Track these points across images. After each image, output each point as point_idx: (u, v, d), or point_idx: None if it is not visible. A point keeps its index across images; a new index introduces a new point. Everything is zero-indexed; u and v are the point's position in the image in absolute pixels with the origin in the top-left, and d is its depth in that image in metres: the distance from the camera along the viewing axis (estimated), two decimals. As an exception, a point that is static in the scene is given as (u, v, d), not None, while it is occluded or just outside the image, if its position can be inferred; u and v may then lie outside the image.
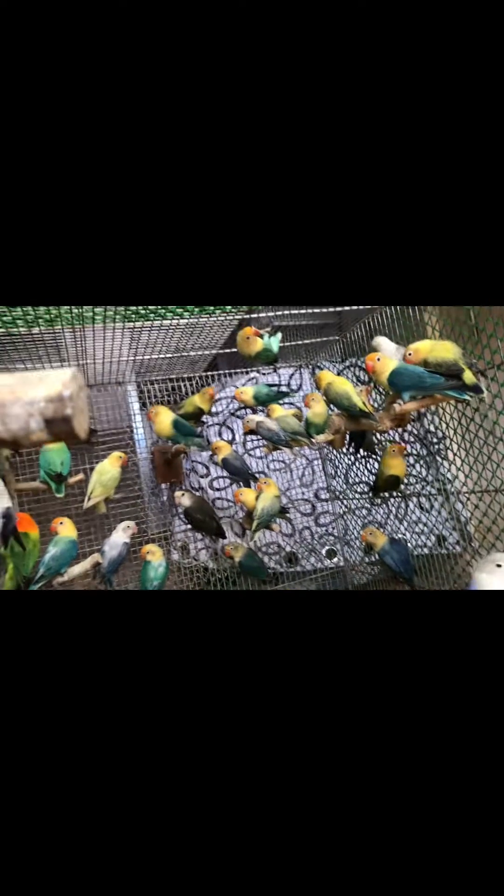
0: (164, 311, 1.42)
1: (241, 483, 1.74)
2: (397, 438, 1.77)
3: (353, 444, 1.76)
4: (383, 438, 1.78)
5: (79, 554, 1.49)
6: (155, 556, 1.62)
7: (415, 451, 1.85)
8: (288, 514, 2.04)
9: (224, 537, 1.81)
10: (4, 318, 1.22)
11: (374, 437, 1.76)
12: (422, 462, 1.84)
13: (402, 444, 1.53)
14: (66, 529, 1.43)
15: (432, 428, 1.85)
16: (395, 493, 1.72)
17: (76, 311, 1.21)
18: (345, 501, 2.13)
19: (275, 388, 1.70)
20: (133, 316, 1.38)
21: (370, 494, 1.93)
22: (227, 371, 2.13)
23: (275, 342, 1.54)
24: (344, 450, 2.03)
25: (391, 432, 1.74)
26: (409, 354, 1.11)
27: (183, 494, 1.71)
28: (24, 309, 1.17)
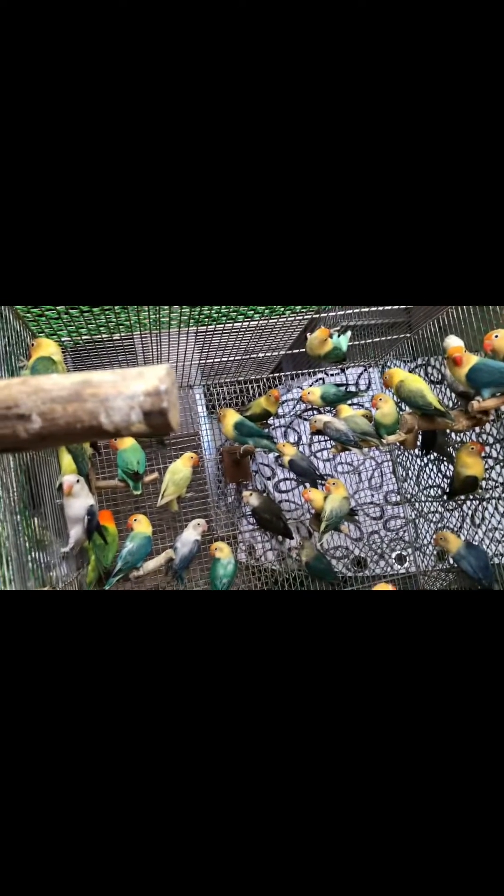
0: (234, 314, 1.46)
1: (308, 484, 1.73)
2: (471, 440, 1.68)
3: (423, 447, 1.70)
4: (456, 440, 1.70)
5: (153, 550, 1.56)
6: (224, 553, 1.66)
7: (494, 454, 1.74)
8: (357, 517, 2.00)
9: (291, 537, 1.81)
10: (90, 326, 1.31)
11: (446, 440, 1.68)
12: (501, 465, 1.73)
13: (480, 444, 1.44)
14: (141, 526, 1.50)
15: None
16: (471, 496, 1.63)
17: (153, 316, 1.28)
18: (416, 505, 2.05)
19: (343, 388, 1.68)
20: (205, 320, 1.43)
21: (444, 498, 1.85)
22: (294, 372, 2.14)
23: (343, 341, 1.52)
24: (416, 451, 1.96)
25: (465, 434, 1.66)
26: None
27: (251, 494, 1.73)
28: (107, 316, 1.25)
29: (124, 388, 0.40)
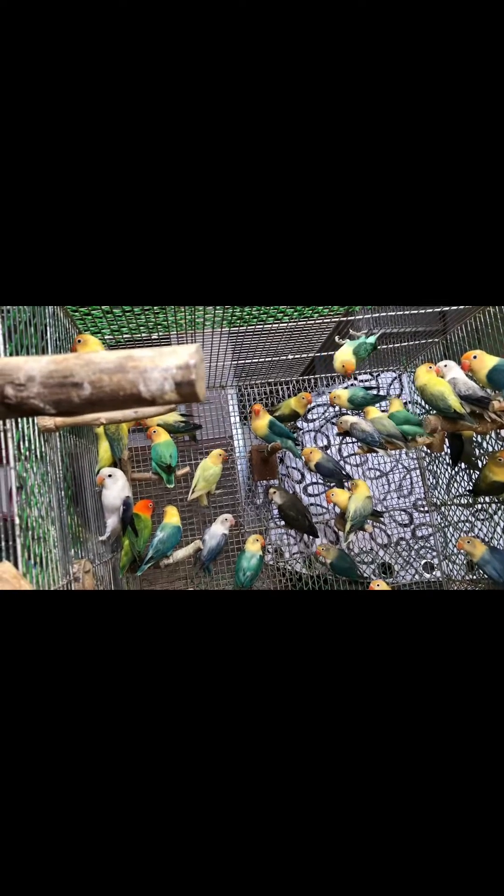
0: (264, 315, 1.53)
1: (335, 485, 1.77)
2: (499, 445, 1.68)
3: (451, 458, 1.70)
4: (482, 452, 1.70)
5: (182, 540, 1.63)
6: (252, 546, 1.72)
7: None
8: (382, 519, 2.02)
9: (316, 535, 1.85)
10: (131, 325, 1.42)
11: (474, 450, 1.68)
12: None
13: None
14: (171, 516, 1.58)
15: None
16: (499, 500, 1.61)
17: (189, 317, 1.36)
18: (446, 513, 2.04)
19: (371, 392, 1.72)
20: (237, 321, 1.50)
21: (471, 502, 1.83)
22: (323, 374, 2.19)
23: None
24: (445, 461, 1.96)
25: (492, 442, 1.66)
26: (474, 358, 1.09)
27: (275, 492, 1.78)
28: (147, 316, 1.35)
29: (160, 362, 0.48)
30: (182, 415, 1.77)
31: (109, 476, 1.28)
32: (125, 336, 1.51)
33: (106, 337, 1.48)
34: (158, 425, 1.64)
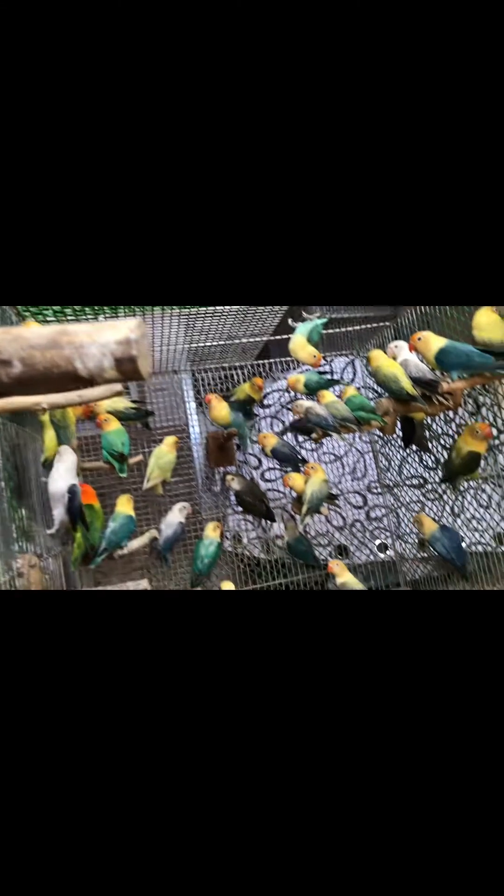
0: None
1: (291, 469, 1.78)
2: (446, 428, 1.74)
3: (403, 440, 1.75)
4: (433, 434, 1.75)
5: (137, 530, 1.59)
6: (209, 533, 1.70)
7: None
8: (337, 502, 2.05)
9: (274, 520, 1.86)
10: (76, 308, 1.34)
11: (425, 432, 1.73)
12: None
13: (487, 426, 1.36)
14: (122, 506, 1.53)
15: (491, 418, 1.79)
16: (455, 486, 1.65)
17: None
18: (398, 494, 2.10)
19: (325, 376, 1.73)
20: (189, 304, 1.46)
21: (438, 482, 1.85)
22: (278, 359, 2.18)
23: (320, 323, 1.57)
24: (397, 444, 2.01)
25: (439, 423, 1.71)
26: (419, 340, 1.11)
27: (233, 478, 1.77)
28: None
29: (98, 337, 0.44)
30: (133, 401, 1.71)
31: (60, 454, 1.21)
32: (70, 318, 1.44)
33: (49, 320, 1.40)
34: (108, 412, 1.58)
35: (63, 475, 1.23)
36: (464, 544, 1.78)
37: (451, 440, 1.65)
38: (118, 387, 0.94)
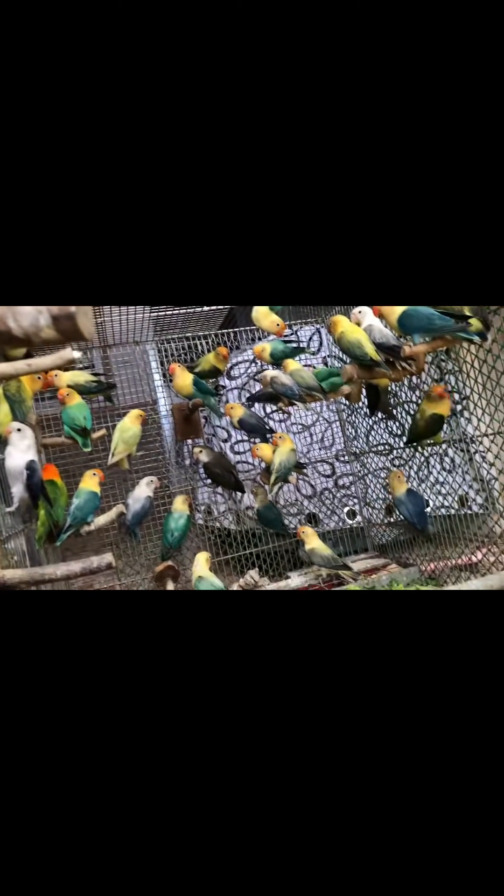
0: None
1: (259, 440, 1.78)
2: (411, 397, 1.76)
3: (368, 408, 1.76)
4: (398, 400, 1.77)
5: (102, 505, 1.57)
6: (178, 506, 1.69)
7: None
8: (305, 471, 2.07)
9: (243, 491, 1.86)
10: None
11: (389, 399, 1.75)
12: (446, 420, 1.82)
13: (440, 387, 1.40)
14: (86, 482, 1.50)
15: (452, 383, 1.82)
16: (420, 449, 1.69)
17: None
18: (365, 462, 2.14)
19: (291, 345, 1.71)
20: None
21: (404, 447, 1.88)
22: (245, 328, 2.15)
23: None
24: (362, 412, 2.03)
25: (405, 390, 1.73)
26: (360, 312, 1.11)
27: (201, 451, 1.76)
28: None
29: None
30: (94, 374, 1.66)
31: (18, 430, 1.17)
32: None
33: None
34: (70, 387, 1.53)
35: (22, 451, 1.19)
36: (429, 509, 1.83)
37: (416, 406, 1.68)
38: (71, 353, 0.90)
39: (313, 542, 1.70)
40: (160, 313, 1.79)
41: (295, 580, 1.82)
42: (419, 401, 1.66)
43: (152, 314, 1.78)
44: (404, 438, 1.65)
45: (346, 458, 2.22)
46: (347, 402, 2.12)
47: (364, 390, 1.64)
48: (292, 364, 1.54)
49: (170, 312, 1.81)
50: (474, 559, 1.63)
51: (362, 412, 2.04)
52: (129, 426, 1.62)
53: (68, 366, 0.93)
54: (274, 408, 2.14)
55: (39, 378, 1.37)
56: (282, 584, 1.80)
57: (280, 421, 2.22)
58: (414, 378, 1.67)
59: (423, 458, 1.87)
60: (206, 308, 1.85)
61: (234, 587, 1.86)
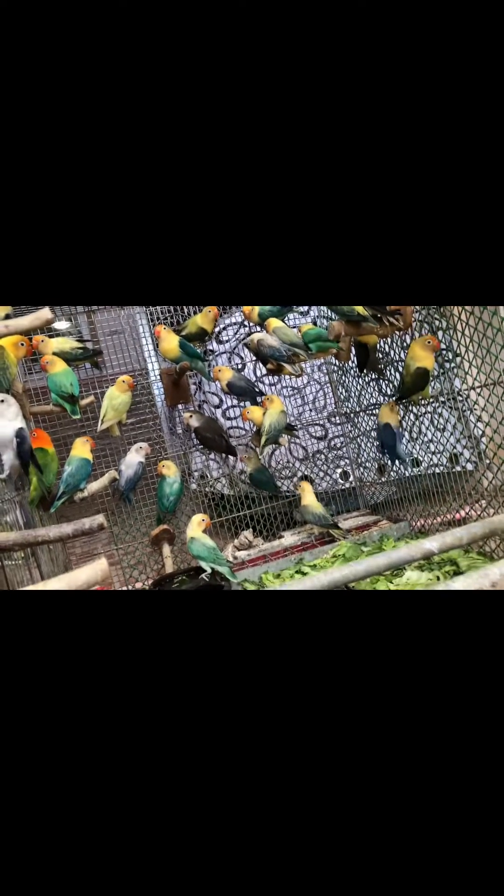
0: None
1: (250, 402, 1.77)
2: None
3: (357, 367, 1.76)
4: (386, 356, 1.76)
5: (96, 472, 1.58)
6: (170, 470, 1.71)
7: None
8: (296, 432, 2.08)
9: (235, 455, 1.87)
10: None
11: (378, 357, 1.74)
12: (437, 378, 1.81)
13: (435, 338, 1.39)
14: (78, 449, 1.51)
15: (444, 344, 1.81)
16: (416, 402, 1.68)
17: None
18: (356, 423, 2.14)
19: (279, 305, 1.69)
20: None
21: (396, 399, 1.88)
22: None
23: None
24: (353, 373, 2.02)
25: (399, 347, 1.72)
26: None
27: (191, 416, 1.76)
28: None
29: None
30: (79, 340, 1.64)
31: (2, 401, 1.17)
32: None
33: None
34: (55, 354, 1.51)
35: (9, 420, 1.19)
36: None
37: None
38: (48, 313, 0.89)
39: (307, 498, 1.73)
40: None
41: (288, 539, 1.86)
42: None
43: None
44: (395, 398, 1.65)
45: (338, 419, 2.22)
46: (338, 364, 2.10)
47: (353, 349, 1.63)
48: (275, 322, 1.53)
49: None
50: (462, 514, 1.66)
51: (353, 373, 2.03)
52: (117, 394, 1.61)
53: (48, 327, 0.92)
54: (262, 373, 2.12)
55: (23, 345, 1.35)
56: (275, 544, 1.83)
57: (271, 384, 2.21)
58: (407, 338, 1.66)
59: (415, 415, 1.87)
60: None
61: (229, 548, 1.90)
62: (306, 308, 2.19)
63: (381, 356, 1.77)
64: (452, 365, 1.69)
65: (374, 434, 2.00)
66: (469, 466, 1.80)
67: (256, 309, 1.65)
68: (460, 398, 1.65)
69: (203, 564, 1.46)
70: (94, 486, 1.55)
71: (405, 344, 1.69)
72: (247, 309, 1.66)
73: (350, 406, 2.15)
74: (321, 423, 2.22)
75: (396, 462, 1.58)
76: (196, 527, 1.48)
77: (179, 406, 2.02)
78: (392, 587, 1.32)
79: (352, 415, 2.15)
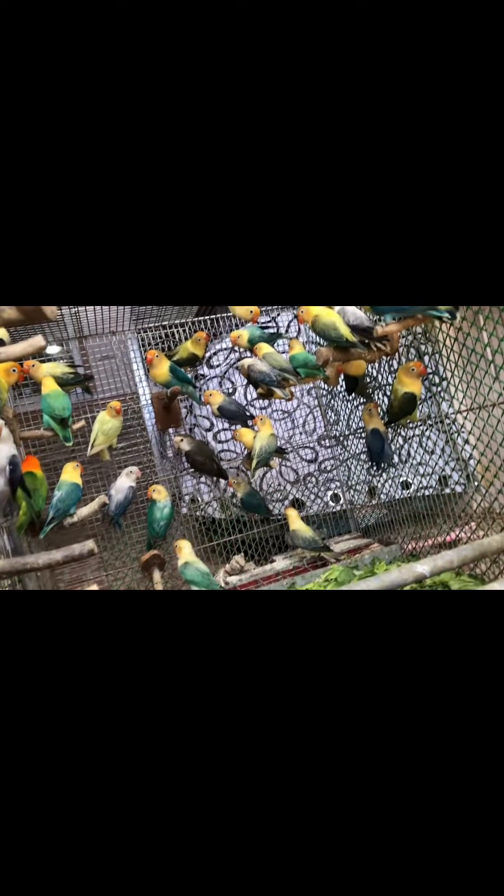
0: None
1: (241, 426, 1.79)
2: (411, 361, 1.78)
3: (346, 390, 1.78)
4: (374, 381, 1.79)
5: (86, 496, 1.56)
6: (160, 495, 1.70)
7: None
8: (287, 455, 2.09)
9: (226, 478, 1.87)
10: None
11: (366, 381, 1.77)
12: (425, 402, 1.84)
13: (420, 363, 1.42)
14: (68, 474, 1.50)
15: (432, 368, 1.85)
16: (404, 424, 1.70)
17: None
18: (346, 446, 2.16)
19: (269, 331, 1.72)
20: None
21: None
22: (220, 314, 2.14)
23: None
24: (342, 397, 2.05)
25: (387, 371, 1.75)
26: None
27: (182, 440, 1.76)
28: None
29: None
30: (70, 365, 1.64)
31: (-2, 428, 1.16)
32: None
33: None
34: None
35: (2, 450, 1.18)
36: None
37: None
38: (41, 341, 0.90)
39: (295, 523, 1.73)
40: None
41: (280, 563, 1.84)
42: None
43: (126, 305, 1.76)
44: (384, 420, 1.67)
45: (328, 442, 2.24)
46: (327, 388, 2.13)
47: (342, 374, 1.66)
48: (264, 348, 1.55)
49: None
50: (453, 536, 1.67)
51: (342, 396, 2.06)
52: (107, 419, 1.61)
53: (39, 353, 0.93)
54: (252, 396, 2.15)
55: (15, 371, 1.36)
56: (267, 568, 1.82)
57: (262, 408, 2.23)
58: (394, 363, 1.69)
59: (403, 439, 1.90)
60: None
61: (221, 572, 1.87)
62: (297, 332, 2.23)
63: (368, 380, 1.80)
64: (439, 389, 1.73)
65: (363, 450, 2.02)
66: (458, 489, 1.82)
67: (245, 335, 1.68)
68: (448, 421, 1.68)
69: (196, 589, 1.44)
70: (84, 511, 1.54)
71: (392, 369, 1.72)
72: (234, 335, 1.69)
73: (339, 429, 2.18)
74: (311, 445, 2.23)
75: (384, 464, 1.60)
76: (188, 551, 1.46)
77: (170, 430, 2.02)
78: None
79: (341, 438, 2.17)
